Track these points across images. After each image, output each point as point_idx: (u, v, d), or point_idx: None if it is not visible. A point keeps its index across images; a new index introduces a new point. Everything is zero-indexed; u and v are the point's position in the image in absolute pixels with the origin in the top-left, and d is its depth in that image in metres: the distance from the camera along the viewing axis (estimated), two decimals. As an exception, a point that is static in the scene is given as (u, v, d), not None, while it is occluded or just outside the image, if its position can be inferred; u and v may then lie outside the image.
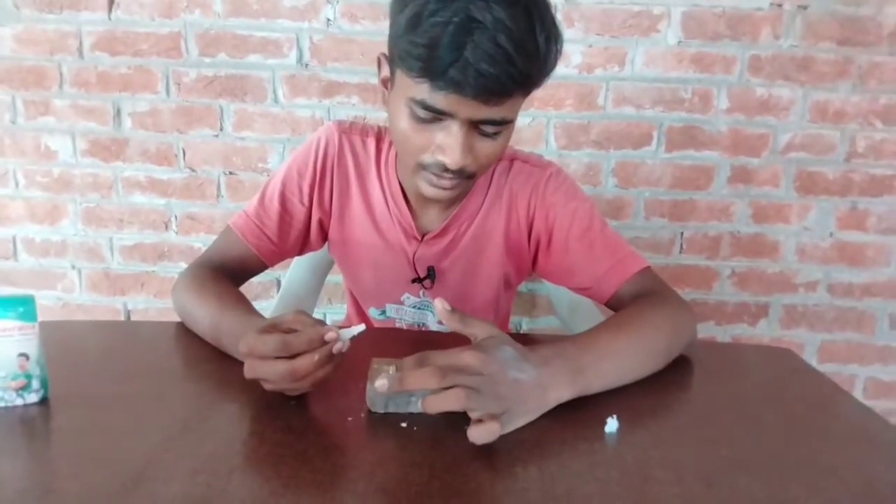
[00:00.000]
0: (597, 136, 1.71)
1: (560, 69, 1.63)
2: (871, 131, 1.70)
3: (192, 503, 0.52)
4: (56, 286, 1.86)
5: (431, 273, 1.00)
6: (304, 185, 0.98)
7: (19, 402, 0.68)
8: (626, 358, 0.76)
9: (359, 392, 0.70)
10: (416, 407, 0.68)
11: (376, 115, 1.71)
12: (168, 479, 0.55)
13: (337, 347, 0.66)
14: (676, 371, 0.82)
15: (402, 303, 1.06)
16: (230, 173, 1.76)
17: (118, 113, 1.74)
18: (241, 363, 0.73)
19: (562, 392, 0.69)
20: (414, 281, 1.02)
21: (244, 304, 0.84)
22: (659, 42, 1.65)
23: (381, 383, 0.62)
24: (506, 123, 0.78)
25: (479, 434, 0.61)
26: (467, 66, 0.68)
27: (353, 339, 0.68)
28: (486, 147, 0.79)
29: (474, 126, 0.77)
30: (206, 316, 0.83)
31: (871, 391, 1.86)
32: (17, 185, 1.80)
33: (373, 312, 1.10)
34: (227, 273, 0.92)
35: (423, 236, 0.99)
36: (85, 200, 1.80)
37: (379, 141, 1.00)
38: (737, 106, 1.69)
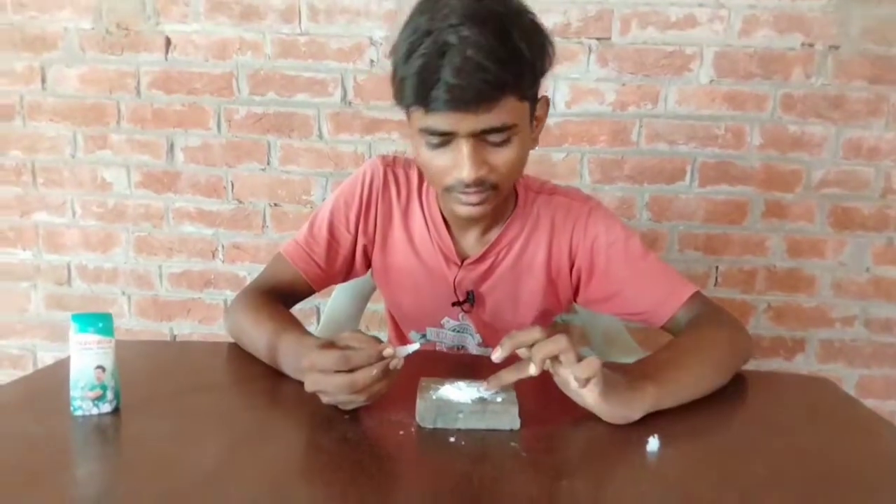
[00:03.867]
0: (630, 170, 1.75)
1: (594, 106, 1.71)
2: (906, 168, 1.71)
3: (261, 504, 0.56)
4: (106, 311, 1.93)
5: (471, 297, 1.05)
6: (351, 215, 1.04)
7: (94, 411, 0.73)
8: (695, 373, 0.83)
9: (408, 408, 0.74)
10: (464, 423, 0.71)
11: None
12: (236, 482, 0.60)
13: (393, 364, 0.71)
14: (715, 397, 0.84)
15: (441, 326, 1.10)
16: (275, 205, 1.84)
17: (171, 147, 1.83)
18: (295, 381, 0.78)
19: (645, 400, 0.75)
20: (454, 304, 1.06)
21: (298, 326, 0.89)
22: (691, 80, 1.70)
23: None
24: (509, 129, 0.82)
25: (583, 365, 0.70)
26: (446, 84, 0.77)
27: (408, 356, 0.72)
28: (498, 156, 0.85)
29: (480, 139, 0.83)
30: (263, 336, 0.88)
31: (913, 429, 1.83)
32: (73, 214, 1.89)
33: (413, 336, 1.14)
34: (279, 297, 0.98)
35: (462, 261, 1.04)
36: (137, 230, 1.89)
37: (421, 172, 1.06)
38: (770, 142, 1.72)
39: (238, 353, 0.95)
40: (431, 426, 0.71)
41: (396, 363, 0.72)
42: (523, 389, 0.76)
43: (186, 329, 1.94)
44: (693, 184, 1.75)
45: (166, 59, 1.79)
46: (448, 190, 0.88)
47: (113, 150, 1.85)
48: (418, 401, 0.73)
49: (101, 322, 0.73)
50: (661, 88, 1.71)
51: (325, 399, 0.73)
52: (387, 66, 1.70)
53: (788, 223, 1.76)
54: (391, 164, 1.06)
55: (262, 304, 0.94)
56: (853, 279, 1.78)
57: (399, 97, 0.84)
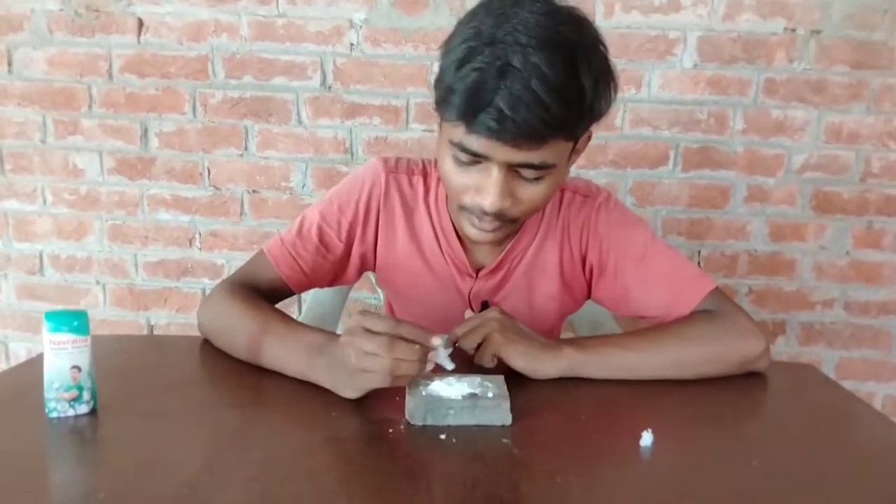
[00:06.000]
0: (614, 156, 1.74)
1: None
2: (885, 152, 1.72)
3: (248, 509, 0.54)
4: (80, 301, 1.89)
5: (486, 307, 0.99)
6: (344, 222, 0.98)
7: (71, 412, 0.70)
8: (633, 356, 0.85)
9: (397, 405, 0.72)
10: (454, 419, 0.70)
11: (396, 136, 1.74)
12: (223, 485, 0.58)
13: (431, 355, 0.70)
14: (705, 387, 0.84)
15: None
16: (253, 192, 1.80)
17: (145, 133, 1.78)
18: (279, 375, 0.76)
19: (558, 360, 0.82)
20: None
21: (289, 317, 0.87)
22: (675, 65, 1.69)
23: (437, 342, 0.71)
24: (547, 168, 0.77)
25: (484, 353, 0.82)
26: (499, 112, 0.70)
27: (436, 364, 0.72)
28: (527, 191, 0.80)
29: (514, 169, 0.77)
30: (246, 327, 0.85)
31: (890, 407, 1.86)
32: (44, 202, 1.84)
33: None
34: (260, 294, 0.93)
35: (477, 272, 1.00)
36: (111, 217, 1.84)
37: (426, 178, 1.00)
38: (752, 127, 1.71)
39: (219, 349, 0.92)
40: (421, 423, 0.70)
41: (433, 356, 0.71)
42: (515, 384, 0.75)
43: (163, 319, 1.90)
44: (676, 169, 1.74)
45: (139, 41, 1.73)
46: (462, 209, 0.84)
47: (84, 135, 1.79)
48: (408, 397, 0.71)
49: (76, 320, 0.70)
50: (645, 73, 1.69)
51: (351, 360, 0.70)
52: (367, 50, 1.69)
53: (770, 207, 1.76)
54: (394, 169, 0.99)
55: (247, 296, 0.91)
56: (833, 262, 1.79)
57: (440, 104, 0.78)
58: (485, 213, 0.80)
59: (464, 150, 0.77)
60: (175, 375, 0.84)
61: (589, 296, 1.05)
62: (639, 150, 1.73)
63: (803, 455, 0.68)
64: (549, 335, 1.12)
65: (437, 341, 0.70)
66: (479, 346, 0.83)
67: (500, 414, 0.70)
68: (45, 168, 1.82)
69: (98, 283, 1.89)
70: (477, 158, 0.77)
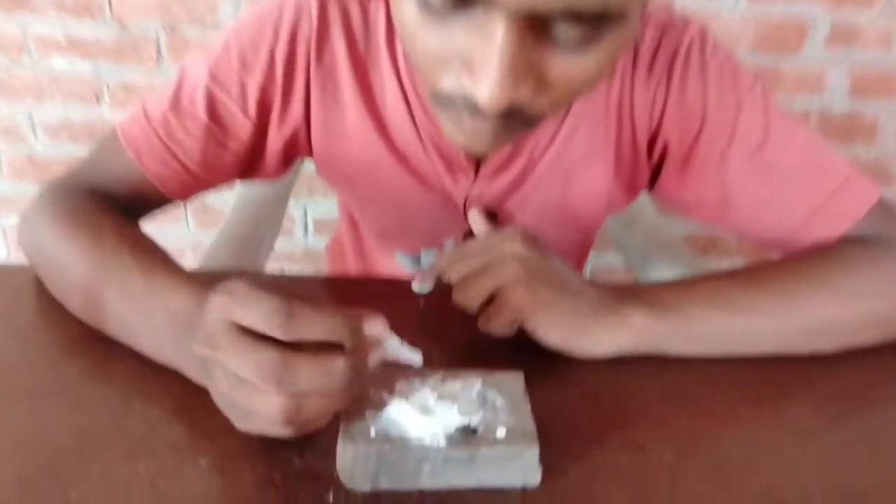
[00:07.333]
0: (657, -22, 1.30)
1: None
2: None
3: None
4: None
5: (494, 221, 0.64)
6: (252, 84, 0.58)
7: None
8: (751, 320, 0.50)
9: (330, 442, 0.38)
10: (432, 480, 0.36)
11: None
12: None
13: (375, 358, 0.37)
14: (851, 372, 0.50)
15: (443, 248, 0.71)
16: (171, 29, 1.37)
17: (16, -58, 1.31)
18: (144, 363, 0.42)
19: (619, 333, 0.48)
20: (467, 236, 0.67)
21: (150, 252, 0.50)
22: None
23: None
24: (609, 20, 0.37)
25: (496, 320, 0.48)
26: None
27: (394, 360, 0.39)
28: (565, 68, 0.39)
29: (538, 26, 0.37)
30: (81, 266, 0.50)
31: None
32: None
33: (400, 259, 0.74)
34: (112, 204, 0.56)
35: (477, 166, 0.61)
36: (-9, 65, 1.41)
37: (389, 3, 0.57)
38: (848, -66, 1.29)
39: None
40: (369, 489, 0.36)
41: (378, 354, 0.37)
42: (542, 375, 0.41)
43: (77, 196, 1.53)
44: (739, -2, 1.33)
45: None
46: (440, 99, 0.43)
47: (-66, -53, 1.32)
48: (340, 438, 0.36)
49: None
50: None
51: (221, 387, 0.36)
52: None
53: (857, 51, 1.37)
54: None
55: (84, 210, 0.54)
56: (927, 124, 1.44)
57: None
58: (479, 109, 0.40)
59: None
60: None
61: (650, 187, 0.67)
62: (691, -30, 1.30)
63: None
64: (584, 245, 0.80)
65: (378, 329, 0.35)
66: (489, 300, 0.48)
67: (521, 469, 0.36)
68: None
69: (-11, 150, 1.49)
70: (466, 1, 0.37)
